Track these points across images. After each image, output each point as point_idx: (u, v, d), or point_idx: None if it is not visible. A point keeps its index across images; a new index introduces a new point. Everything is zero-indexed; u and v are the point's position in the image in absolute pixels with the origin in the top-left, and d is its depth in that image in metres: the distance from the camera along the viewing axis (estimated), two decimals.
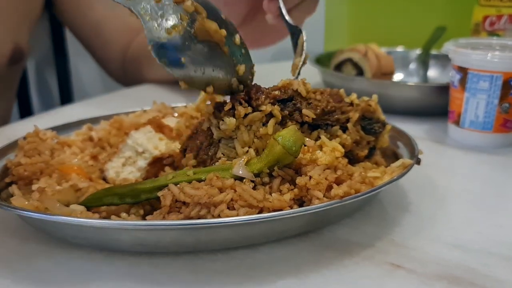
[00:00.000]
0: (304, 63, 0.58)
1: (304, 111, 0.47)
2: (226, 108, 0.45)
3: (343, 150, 0.46)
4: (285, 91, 0.47)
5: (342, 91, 0.51)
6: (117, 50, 0.99)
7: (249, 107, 0.46)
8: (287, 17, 0.63)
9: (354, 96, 0.50)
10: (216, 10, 0.45)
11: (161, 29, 0.41)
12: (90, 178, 0.50)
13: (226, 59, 0.44)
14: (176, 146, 0.52)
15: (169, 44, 0.41)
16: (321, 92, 0.49)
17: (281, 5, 0.65)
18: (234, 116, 0.45)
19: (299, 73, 0.57)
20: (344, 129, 0.49)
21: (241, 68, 0.45)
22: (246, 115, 0.45)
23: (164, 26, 0.41)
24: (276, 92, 0.47)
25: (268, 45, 0.82)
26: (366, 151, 0.50)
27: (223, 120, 0.45)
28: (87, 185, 0.47)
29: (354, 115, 0.49)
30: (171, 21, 0.41)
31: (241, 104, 0.45)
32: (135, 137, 0.53)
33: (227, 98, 0.47)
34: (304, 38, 0.59)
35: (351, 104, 0.50)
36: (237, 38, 0.46)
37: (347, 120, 0.49)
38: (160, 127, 0.54)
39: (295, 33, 0.62)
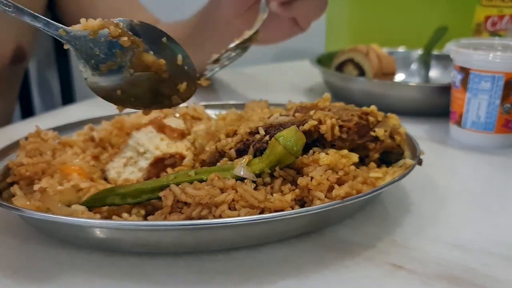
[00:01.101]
0: (251, 38, 0.55)
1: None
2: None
3: (357, 159, 0.45)
4: (310, 133, 0.47)
5: (372, 119, 0.49)
6: None
7: None
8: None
9: (381, 132, 0.48)
10: (157, 34, 0.44)
11: (96, 66, 0.42)
12: (91, 178, 0.50)
13: (166, 83, 0.45)
14: (177, 146, 0.52)
15: (103, 80, 0.42)
16: (347, 130, 0.47)
17: None
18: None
19: (243, 47, 0.54)
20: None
21: (182, 87, 0.46)
22: None
23: (99, 63, 0.41)
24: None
25: (272, 42, 0.82)
26: (377, 155, 0.50)
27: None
28: (88, 185, 0.47)
29: (374, 156, 0.49)
30: (106, 58, 0.42)
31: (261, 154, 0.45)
32: (136, 137, 0.53)
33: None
34: (264, 16, 0.57)
35: (376, 138, 0.49)
36: (179, 58, 0.46)
37: (366, 155, 0.49)
38: (161, 128, 0.54)
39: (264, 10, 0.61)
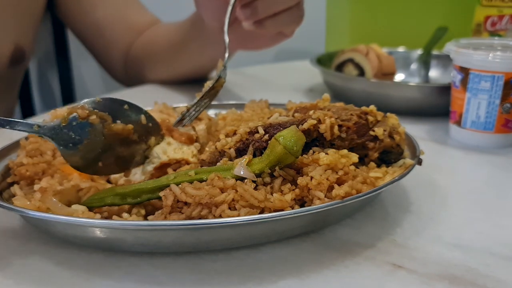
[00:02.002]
0: (215, 87, 0.56)
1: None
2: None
3: (357, 159, 0.45)
4: (309, 133, 0.47)
5: (371, 118, 0.49)
6: (119, 51, 1.00)
7: None
8: (226, 38, 0.63)
9: (380, 131, 0.49)
10: (119, 104, 0.49)
11: (75, 147, 0.47)
12: (92, 178, 0.50)
13: (137, 143, 0.51)
14: (184, 152, 0.52)
15: (84, 158, 0.47)
16: (346, 129, 0.48)
17: (226, 20, 0.64)
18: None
19: (210, 96, 0.55)
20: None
21: (152, 140, 0.52)
22: None
23: (77, 144, 0.47)
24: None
25: (258, 49, 0.82)
26: (377, 154, 0.50)
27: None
28: (88, 185, 0.47)
29: (374, 155, 0.49)
30: (81, 138, 0.47)
31: (261, 153, 0.45)
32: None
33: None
34: (224, 62, 0.58)
35: (376, 137, 0.49)
36: (143, 119, 0.51)
37: (366, 155, 0.49)
38: (169, 130, 0.54)
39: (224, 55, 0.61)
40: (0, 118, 0.45)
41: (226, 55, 0.61)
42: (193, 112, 0.55)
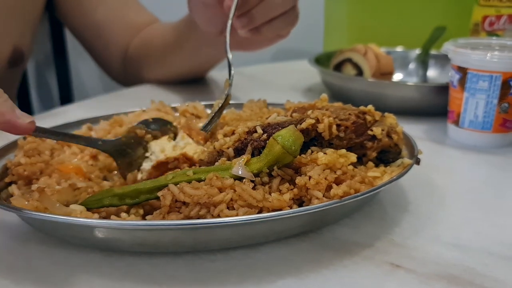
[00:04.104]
0: (224, 105, 0.57)
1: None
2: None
3: (355, 159, 0.45)
4: (308, 132, 0.47)
5: (369, 118, 0.49)
6: (118, 51, 0.99)
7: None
8: (229, 54, 0.63)
9: (378, 131, 0.49)
10: (164, 122, 0.57)
11: (129, 162, 0.53)
12: (89, 177, 0.50)
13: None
14: (183, 148, 0.51)
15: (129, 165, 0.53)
16: (344, 129, 0.48)
17: (227, 38, 0.64)
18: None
19: (217, 116, 0.57)
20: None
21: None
22: None
23: (132, 158, 0.53)
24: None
25: (254, 50, 0.82)
26: (375, 153, 0.50)
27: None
28: (85, 185, 0.47)
29: (372, 154, 0.49)
30: (135, 153, 0.53)
31: (260, 153, 0.45)
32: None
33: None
34: (230, 80, 0.59)
35: (374, 137, 0.49)
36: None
37: (364, 154, 0.50)
38: (190, 130, 0.54)
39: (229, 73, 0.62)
40: (66, 134, 0.51)
41: (232, 72, 0.61)
42: (207, 130, 0.57)
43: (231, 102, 0.67)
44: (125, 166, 0.52)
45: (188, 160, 0.50)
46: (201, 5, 0.72)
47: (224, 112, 0.61)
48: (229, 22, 0.65)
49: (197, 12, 0.75)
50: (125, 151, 0.52)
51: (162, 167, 0.51)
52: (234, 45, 0.77)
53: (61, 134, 0.50)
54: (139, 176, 0.50)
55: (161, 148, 0.51)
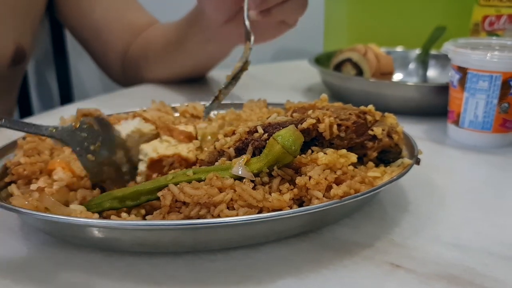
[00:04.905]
0: (243, 69, 0.58)
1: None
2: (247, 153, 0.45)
3: (355, 159, 0.45)
4: (308, 132, 0.47)
5: (369, 117, 0.50)
6: (117, 52, 0.99)
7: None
8: (246, 22, 0.64)
9: (379, 131, 0.49)
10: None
11: (88, 148, 0.49)
12: (75, 174, 0.50)
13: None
14: (177, 148, 0.51)
15: (97, 162, 0.50)
16: (345, 128, 0.48)
17: (245, 7, 0.66)
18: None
19: (236, 78, 0.57)
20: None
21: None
22: None
23: (90, 144, 0.49)
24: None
25: (261, 42, 0.82)
26: (375, 153, 0.50)
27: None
28: (69, 178, 0.47)
29: (372, 154, 0.49)
30: (93, 139, 0.50)
31: (261, 152, 0.45)
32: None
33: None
34: (251, 45, 0.59)
35: (374, 137, 0.49)
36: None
37: (365, 154, 0.50)
38: (169, 130, 0.54)
39: (248, 38, 0.63)
40: (19, 122, 0.47)
41: (252, 38, 0.63)
42: (222, 95, 0.58)
43: (230, 102, 0.68)
44: (94, 163, 0.49)
45: (184, 161, 0.50)
46: None
47: (224, 112, 0.61)
48: None
49: None
50: (85, 137, 0.49)
51: (157, 166, 0.50)
52: (240, 38, 0.77)
53: (3, 119, 0.45)
54: (138, 179, 0.50)
55: (153, 148, 0.51)
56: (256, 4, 0.68)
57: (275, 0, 0.68)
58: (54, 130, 0.47)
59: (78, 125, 0.49)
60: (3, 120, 0.45)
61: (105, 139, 0.50)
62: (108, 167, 0.50)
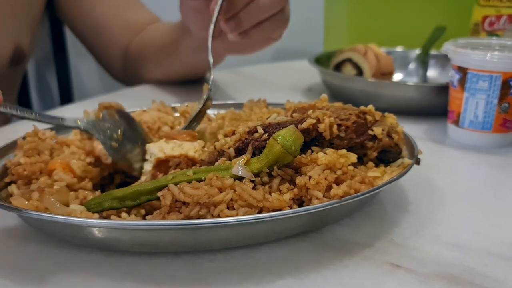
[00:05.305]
0: (204, 110, 0.57)
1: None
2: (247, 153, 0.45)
3: (355, 159, 0.45)
4: (309, 132, 0.47)
5: (369, 117, 0.50)
6: (118, 50, 0.99)
7: None
8: (210, 57, 0.64)
9: (379, 131, 0.49)
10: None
11: (111, 136, 0.52)
12: (75, 174, 0.50)
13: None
14: (183, 148, 0.51)
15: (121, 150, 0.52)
16: (345, 128, 0.48)
17: (209, 42, 0.64)
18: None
19: (198, 117, 0.57)
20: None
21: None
22: None
23: (112, 132, 0.52)
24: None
25: (248, 53, 0.82)
26: (375, 153, 0.50)
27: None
28: (70, 178, 0.47)
29: (372, 154, 0.49)
30: (115, 128, 0.52)
31: (261, 152, 0.45)
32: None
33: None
34: (209, 85, 0.59)
35: (374, 136, 0.49)
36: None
37: (365, 154, 0.50)
38: (171, 138, 0.54)
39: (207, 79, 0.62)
40: (46, 115, 0.49)
41: (212, 77, 0.62)
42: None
43: (230, 102, 0.68)
44: (118, 151, 0.51)
45: (191, 161, 0.50)
46: (191, 11, 0.73)
47: (224, 112, 0.61)
48: (211, 26, 0.65)
49: (189, 17, 0.76)
50: (109, 127, 0.52)
51: (163, 166, 0.50)
52: (228, 49, 0.77)
53: (32, 112, 0.48)
54: (143, 178, 0.50)
55: (159, 149, 0.51)
56: (231, 29, 0.68)
57: (249, 23, 0.68)
58: (79, 122, 0.51)
59: (100, 116, 0.52)
60: (33, 114, 0.47)
61: (126, 130, 0.53)
62: (125, 158, 0.52)
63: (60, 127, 0.51)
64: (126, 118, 0.54)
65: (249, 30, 0.69)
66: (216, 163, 0.46)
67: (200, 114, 0.58)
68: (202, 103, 0.57)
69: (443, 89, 0.73)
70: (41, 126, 0.56)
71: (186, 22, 0.77)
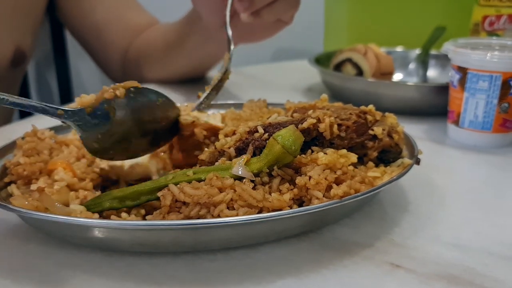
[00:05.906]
0: (223, 79, 0.58)
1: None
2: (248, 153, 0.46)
3: (355, 159, 0.45)
4: (309, 132, 0.47)
5: (370, 117, 0.50)
6: (118, 52, 1.00)
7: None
8: (229, 31, 0.65)
9: (379, 131, 0.49)
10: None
11: (100, 135, 0.47)
12: (76, 174, 0.50)
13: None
14: (213, 119, 0.53)
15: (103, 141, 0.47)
16: (345, 128, 0.48)
17: (227, 13, 0.66)
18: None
19: (217, 88, 0.58)
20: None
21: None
22: None
23: (100, 131, 0.47)
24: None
25: (258, 41, 0.82)
26: (376, 153, 0.50)
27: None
28: (70, 178, 0.47)
29: (373, 154, 0.49)
30: (104, 123, 0.47)
31: (261, 152, 0.45)
32: None
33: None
34: (230, 55, 0.60)
35: (375, 136, 0.49)
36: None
37: (365, 154, 0.50)
38: None
39: (229, 48, 0.63)
40: (23, 99, 0.44)
41: (232, 47, 0.63)
42: (203, 105, 0.58)
43: (230, 102, 0.68)
44: (98, 142, 0.46)
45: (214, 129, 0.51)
46: None
47: (223, 112, 0.61)
48: (229, 0, 0.67)
49: (200, 2, 0.76)
50: (96, 124, 0.46)
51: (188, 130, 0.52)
52: (237, 38, 0.77)
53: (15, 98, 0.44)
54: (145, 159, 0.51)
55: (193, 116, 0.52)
56: (244, 8, 0.69)
57: (263, 2, 0.69)
58: (62, 112, 0.44)
59: (90, 110, 0.46)
60: (4, 99, 0.43)
61: (118, 126, 0.48)
62: (115, 147, 0.48)
63: (42, 112, 0.43)
64: (136, 100, 0.50)
65: (261, 10, 0.70)
66: (216, 163, 0.46)
67: (220, 84, 0.58)
68: (223, 72, 0.58)
69: (443, 89, 0.73)
70: (40, 126, 0.56)
71: (197, 7, 0.78)
